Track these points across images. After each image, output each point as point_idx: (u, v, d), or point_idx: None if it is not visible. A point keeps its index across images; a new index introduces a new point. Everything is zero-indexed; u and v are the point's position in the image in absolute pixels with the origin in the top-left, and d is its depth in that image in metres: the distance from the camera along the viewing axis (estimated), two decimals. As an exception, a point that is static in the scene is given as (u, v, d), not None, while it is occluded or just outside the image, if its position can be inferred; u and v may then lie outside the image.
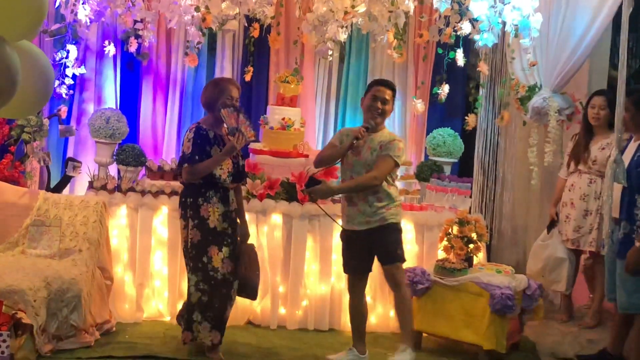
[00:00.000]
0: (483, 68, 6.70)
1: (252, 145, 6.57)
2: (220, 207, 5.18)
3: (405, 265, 6.09)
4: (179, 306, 5.61)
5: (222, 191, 5.22)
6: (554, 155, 6.41)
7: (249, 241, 5.47)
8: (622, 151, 5.30)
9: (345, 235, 5.40)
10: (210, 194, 5.17)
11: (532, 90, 6.40)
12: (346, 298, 6.20)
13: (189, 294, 5.22)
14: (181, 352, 5.29)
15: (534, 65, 6.24)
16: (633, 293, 5.20)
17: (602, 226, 5.61)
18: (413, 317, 5.42)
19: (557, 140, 6.42)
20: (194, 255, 5.16)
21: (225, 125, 5.16)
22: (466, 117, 7.05)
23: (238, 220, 5.35)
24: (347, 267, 5.45)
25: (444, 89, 6.77)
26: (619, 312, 5.41)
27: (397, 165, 5.26)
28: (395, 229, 5.29)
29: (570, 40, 6.24)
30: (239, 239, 5.31)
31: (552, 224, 6.30)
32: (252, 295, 5.42)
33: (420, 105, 7.02)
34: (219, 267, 5.14)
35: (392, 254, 5.26)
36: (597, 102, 6.04)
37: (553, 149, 6.38)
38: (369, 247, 5.28)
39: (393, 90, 5.34)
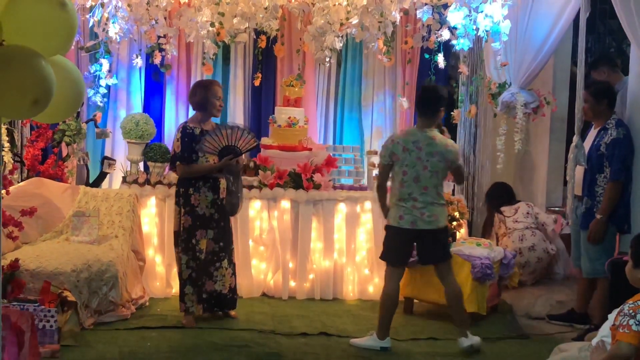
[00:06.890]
0: (464, 69, 6.71)
1: (263, 141, 6.52)
2: (209, 195, 5.20)
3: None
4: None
5: (212, 181, 5.21)
6: (522, 143, 6.33)
7: None
8: (583, 137, 5.26)
9: None
10: (199, 185, 5.18)
11: (503, 87, 6.32)
12: (347, 271, 6.18)
13: (181, 271, 5.24)
14: (206, 322, 5.27)
15: (505, 65, 6.17)
16: (595, 260, 5.18)
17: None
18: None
19: (524, 130, 6.33)
20: (186, 238, 5.21)
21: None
22: (452, 113, 6.94)
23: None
24: None
25: (434, 89, 6.72)
26: (584, 276, 5.38)
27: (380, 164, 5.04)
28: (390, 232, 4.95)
29: (534, 43, 6.12)
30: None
31: None
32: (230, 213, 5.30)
33: (405, 102, 6.99)
34: (204, 249, 5.19)
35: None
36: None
37: (521, 137, 6.30)
38: None
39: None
